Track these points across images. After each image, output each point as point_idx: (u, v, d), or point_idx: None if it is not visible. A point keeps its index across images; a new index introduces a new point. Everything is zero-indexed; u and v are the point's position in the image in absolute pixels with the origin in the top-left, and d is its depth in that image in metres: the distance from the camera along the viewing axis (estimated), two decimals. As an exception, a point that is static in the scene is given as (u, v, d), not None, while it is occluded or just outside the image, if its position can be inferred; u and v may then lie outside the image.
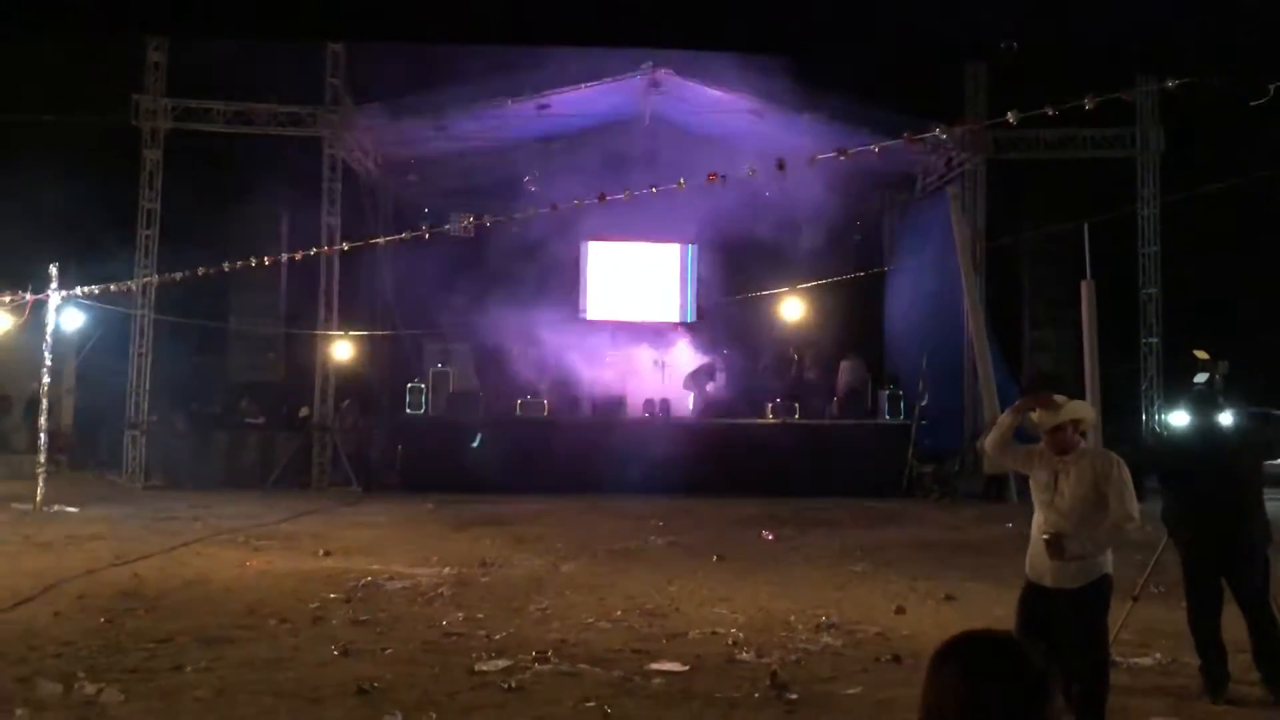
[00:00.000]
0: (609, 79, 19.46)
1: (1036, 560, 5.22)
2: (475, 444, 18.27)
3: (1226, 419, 6.74)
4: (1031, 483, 5.36)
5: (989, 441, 5.51)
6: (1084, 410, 5.38)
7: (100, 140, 19.29)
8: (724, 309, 22.85)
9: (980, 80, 19.57)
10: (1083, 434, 5.32)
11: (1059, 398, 5.30)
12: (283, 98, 19.35)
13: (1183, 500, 6.45)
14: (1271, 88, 7.88)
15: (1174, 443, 8.56)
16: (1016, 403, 5.46)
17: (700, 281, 24.01)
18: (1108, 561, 5.16)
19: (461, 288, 20.69)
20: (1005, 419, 5.41)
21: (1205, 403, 6.56)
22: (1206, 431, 6.47)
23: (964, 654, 1.87)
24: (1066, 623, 5.01)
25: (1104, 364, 9.37)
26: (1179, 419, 18.22)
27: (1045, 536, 5.05)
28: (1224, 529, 6.21)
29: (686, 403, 20.83)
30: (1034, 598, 5.18)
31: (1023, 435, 5.49)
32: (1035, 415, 5.32)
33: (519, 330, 20.42)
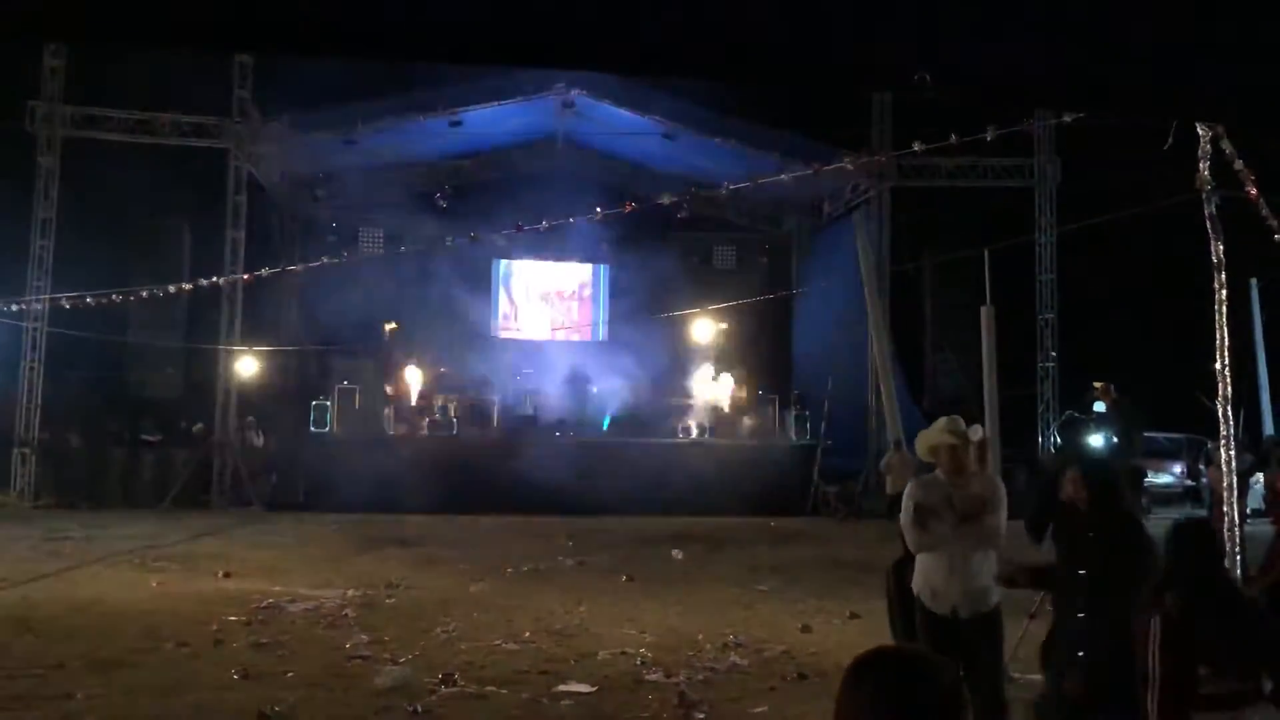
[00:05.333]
0: (521, 97, 19.48)
1: (944, 593, 5.09)
2: None
3: (1093, 442, 7.00)
4: (924, 511, 5.15)
5: (914, 541, 5.27)
6: (979, 434, 5.52)
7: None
8: (634, 329, 22.94)
9: (886, 107, 20.01)
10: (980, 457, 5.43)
11: (971, 429, 5.37)
12: (188, 108, 18.89)
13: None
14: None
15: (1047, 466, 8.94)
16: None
17: (611, 301, 24.06)
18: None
19: (370, 304, 20.39)
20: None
21: (1070, 428, 6.84)
22: (1066, 454, 6.75)
23: (879, 671, 1.85)
24: (976, 647, 4.97)
25: (1002, 386, 9.67)
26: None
27: None
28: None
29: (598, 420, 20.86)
30: (941, 630, 5.03)
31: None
32: (945, 434, 5.24)
33: (428, 347, 20.20)
